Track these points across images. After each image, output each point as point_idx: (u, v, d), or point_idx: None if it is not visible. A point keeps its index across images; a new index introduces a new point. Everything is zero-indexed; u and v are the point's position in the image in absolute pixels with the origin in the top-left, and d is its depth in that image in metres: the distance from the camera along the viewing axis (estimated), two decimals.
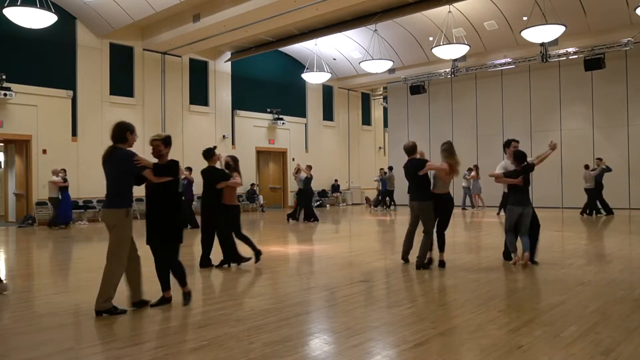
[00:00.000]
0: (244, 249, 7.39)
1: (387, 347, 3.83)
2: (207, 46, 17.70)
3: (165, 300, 5.03)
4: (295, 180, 15.40)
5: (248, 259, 7.37)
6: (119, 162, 4.80)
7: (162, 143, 5.02)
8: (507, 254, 7.30)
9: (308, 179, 14.76)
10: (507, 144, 7.33)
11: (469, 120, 20.99)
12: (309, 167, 15.16)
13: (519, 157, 6.98)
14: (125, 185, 4.86)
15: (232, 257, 7.29)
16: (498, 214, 15.65)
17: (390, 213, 18.57)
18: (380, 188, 20.07)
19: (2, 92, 13.95)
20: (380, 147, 27.01)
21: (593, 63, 16.73)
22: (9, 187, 16.00)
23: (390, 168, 19.92)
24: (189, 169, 13.35)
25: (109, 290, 4.70)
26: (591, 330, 4.02)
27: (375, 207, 20.00)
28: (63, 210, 14.04)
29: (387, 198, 19.95)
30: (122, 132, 4.88)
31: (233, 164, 7.42)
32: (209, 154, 7.36)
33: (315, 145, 22.94)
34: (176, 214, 5.05)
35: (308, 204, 15.11)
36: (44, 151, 15.13)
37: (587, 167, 15.36)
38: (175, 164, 5.01)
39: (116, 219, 4.76)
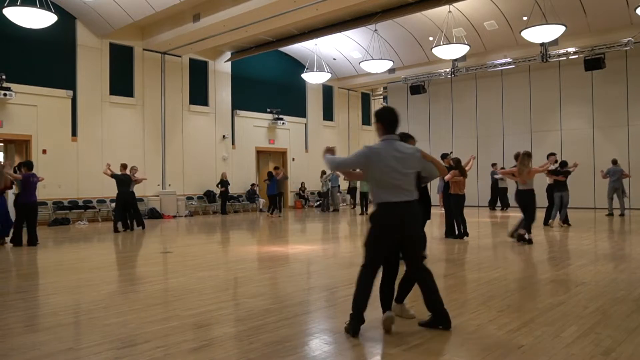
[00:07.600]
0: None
1: (387, 347, 3.83)
2: (207, 46, 17.69)
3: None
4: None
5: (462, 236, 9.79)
6: None
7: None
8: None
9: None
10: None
11: (469, 120, 20.99)
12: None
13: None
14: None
15: (450, 233, 10.06)
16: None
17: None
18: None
19: (2, 92, 13.94)
20: None
21: (593, 63, 16.73)
22: None
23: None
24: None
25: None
26: (591, 330, 4.01)
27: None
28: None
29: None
30: None
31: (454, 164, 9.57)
32: (444, 156, 9.81)
33: (315, 145, 22.91)
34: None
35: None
36: (44, 151, 15.12)
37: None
38: None
39: None
